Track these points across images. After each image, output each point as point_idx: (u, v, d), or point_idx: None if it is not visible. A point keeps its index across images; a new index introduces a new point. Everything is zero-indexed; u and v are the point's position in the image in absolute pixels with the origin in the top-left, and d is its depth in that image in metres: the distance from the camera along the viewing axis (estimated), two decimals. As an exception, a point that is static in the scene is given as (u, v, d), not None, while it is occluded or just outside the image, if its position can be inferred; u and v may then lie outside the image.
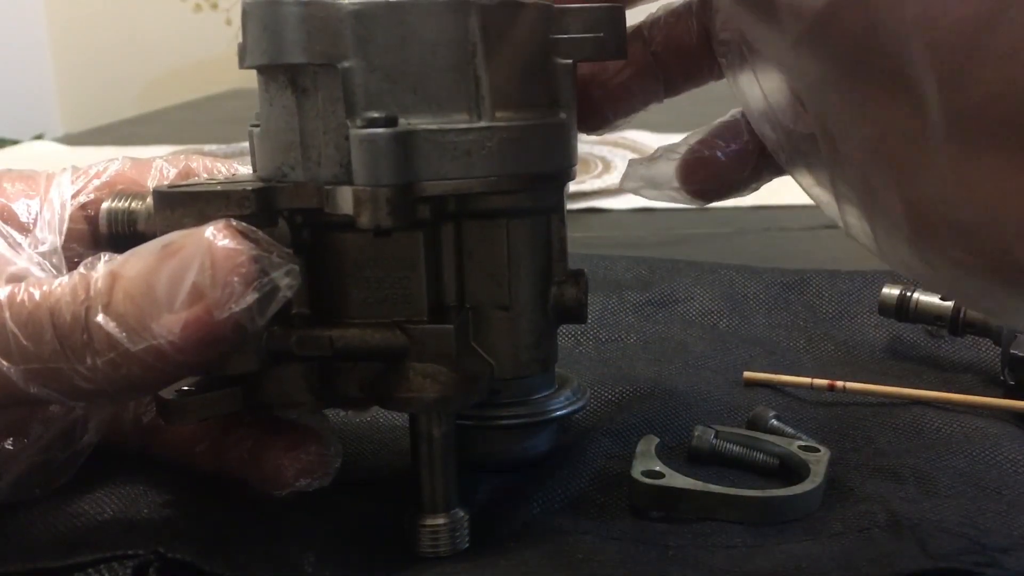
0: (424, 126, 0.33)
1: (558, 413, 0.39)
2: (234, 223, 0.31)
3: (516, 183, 0.35)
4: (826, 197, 0.31)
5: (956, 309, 0.51)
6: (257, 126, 0.36)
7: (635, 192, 0.42)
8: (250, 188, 0.33)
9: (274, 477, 0.36)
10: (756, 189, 0.41)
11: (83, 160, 0.40)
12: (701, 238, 0.76)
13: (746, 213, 0.83)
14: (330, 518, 0.37)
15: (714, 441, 0.41)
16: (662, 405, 0.46)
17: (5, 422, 0.34)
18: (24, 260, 0.34)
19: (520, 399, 0.39)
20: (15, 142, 1.76)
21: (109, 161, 0.40)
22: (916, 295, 0.52)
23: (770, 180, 0.40)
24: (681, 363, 0.52)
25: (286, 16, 0.32)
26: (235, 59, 0.36)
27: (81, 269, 0.31)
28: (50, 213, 0.37)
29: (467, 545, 0.35)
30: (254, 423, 0.37)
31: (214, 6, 2.72)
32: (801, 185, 0.34)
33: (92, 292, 0.30)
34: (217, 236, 0.30)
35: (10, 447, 0.34)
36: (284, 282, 0.31)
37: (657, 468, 0.38)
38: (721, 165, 0.40)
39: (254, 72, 0.35)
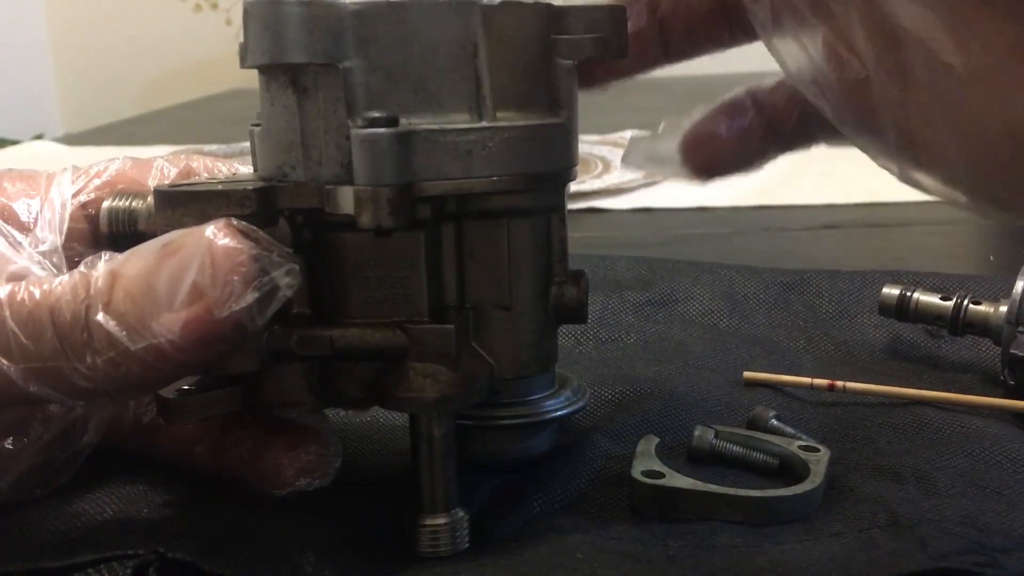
0: (425, 126, 0.33)
1: (558, 413, 0.39)
2: (234, 222, 0.31)
3: (517, 183, 0.35)
4: (879, 143, 0.31)
5: (956, 309, 0.51)
6: (258, 125, 0.36)
7: (637, 167, 0.42)
8: (251, 188, 0.33)
9: (274, 477, 0.36)
10: (760, 167, 0.41)
11: (83, 160, 0.40)
12: (701, 238, 0.76)
13: (746, 213, 0.83)
14: (330, 518, 0.37)
15: (714, 441, 0.41)
16: (662, 405, 0.46)
17: (5, 422, 0.34)
18: (24, 259, 0.34)
19: (520, 399, 0.39)
20: (15, 142, 1.76)
21: (110, 161, 0.40)
22: (916, 295, 0.52)
23: (775, 158, 0.40)
24: (681, 363, 0.52)
25: (287, 16, 0.32)
26: (235, 59, 0.36)
27: (81, 268, 0.31)
28: (51, 212, 0.37)
29: (467, 545, 0.35)
30: (254, 423, 0.37)
31: (214, 6, 2.72)
32: (849, 135, 0.33)
33: (92, 291, 0.30)
34: (217, 235, 0.30)
35: (10, 447, 0.34)
36: (284, 281, 0.31)
37: (657, 468, 0.38)
38: (725, 142, 0.40)
39: (255, 72, 0.35)
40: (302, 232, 0.35)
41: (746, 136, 0.39)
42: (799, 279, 0.61)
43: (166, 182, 0.39)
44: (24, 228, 0.36)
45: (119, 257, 0.31)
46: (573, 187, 0.76)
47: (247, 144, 0.37)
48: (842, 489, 0.38)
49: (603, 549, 0.35)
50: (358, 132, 0.32)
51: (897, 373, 0.51)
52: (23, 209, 0.37)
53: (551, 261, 0.38)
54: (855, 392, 0.48)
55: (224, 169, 0.41)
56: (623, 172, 0.92)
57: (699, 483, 0.37)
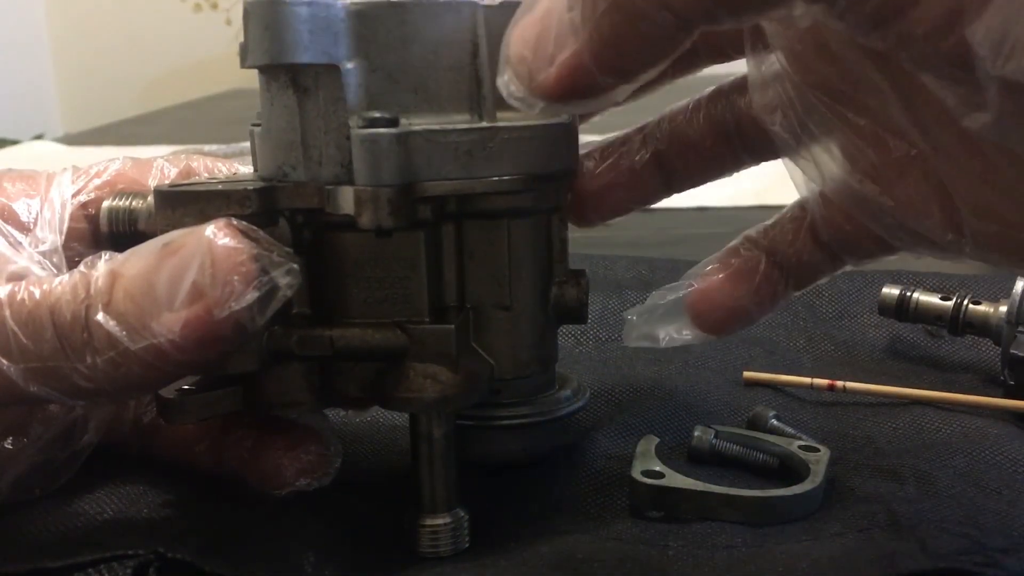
0: (425, 126, 0.33)
1: (558, 413, 0.39)
2: (234, 222, 0.31)
3: (517, 183, 0.35)
4: (925, 223, 0.32)
5: (956, 309, 0.51)
6: (258, 125, 0.36)
7: (637, 345, 0.40)
8: (251, 187, 0.33)
9: (274, 477, 0.36)
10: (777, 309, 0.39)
11: (83, 160, 0.40)
12: (701, 238, 0.76)
13: (746, 213, 0.83)
14: (330, 518, 0.37)
15: (714, 441, 0.41)
16: (662, 405, 0.46)
17: (5, 422, 0.34)
18: (24, 259, 0.34)
19: (520, 399, 0.39)
20: (15, 142, 1.76)
21: (110, 161, 0.40)
22: (916, 295, 0.52)
23: (792, 295, 0.39)
24: (681, 363, 0.52)
25: (288, 16, 0.32)
26: (235, 59, 0.36)
27: (81, 268, 0.31)
28: (51, 212, 0.37)
29: (467, 545, 0.35)
30: (254, 423, 0.37)
31: (214, 6, 2.72)
32: (888, 227, 0.33)
33: (92, 291, 0.30)
34: (217, 235, 0.30)
35: (10, 447, 0.34)
36: (284, 281, 0.31)
37: (657, 468, 0.38)
38: (741, 309, 0.38)
39: (255, 72, 0.35)
40: (302, 232, 0.35)
41: (759, 290, 0.38)
42: (799, 279, 0.61)
43: (166, 182, 0.39)
44: (24, 228, 0.36)
45: (119, 257, 0.31)
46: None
47: (247, 144, 0.37)
48: (842, 489, 0.38)
49: (603, 549, 0.35)
50: (358, 132, 0.32)
51: (897, 373, 0.51)
52: (23, 209, 0.37)
53: (551, 261, 0.38)
54: (855, 392, 0.48)
55: (224, 169, 0.41)
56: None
57: (699, 483, 0.37)
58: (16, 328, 0.30)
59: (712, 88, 0.39)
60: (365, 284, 0.35)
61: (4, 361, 0.30)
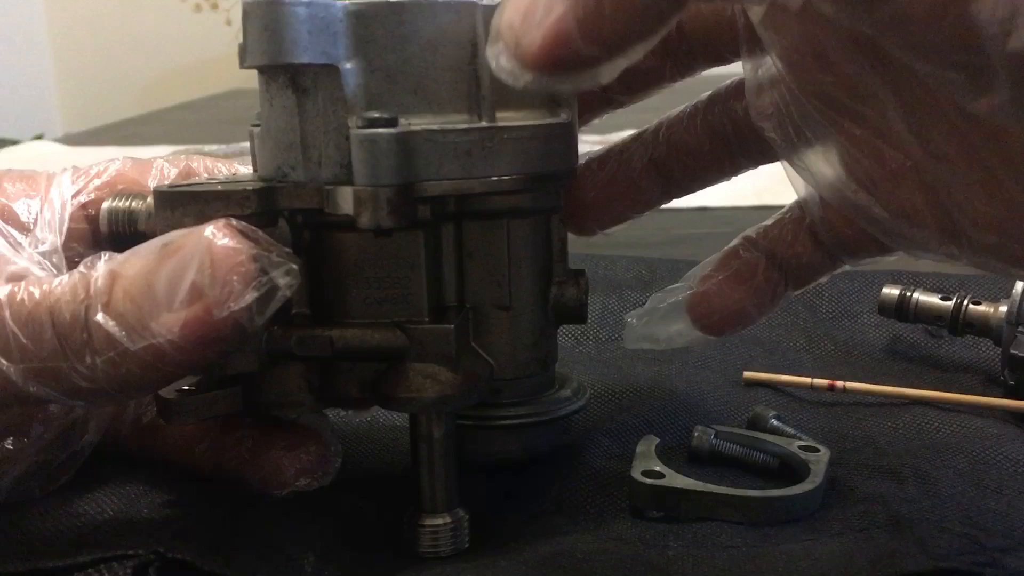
0: (425, 126, 0.33)
1: (558, 413, 0.39)
2: (234, 222, 0.31)
3: (516, 183, 0.35)
4: (918, 233, 0.32)
5: (956, 309, 0.51)
6: (258, 126, 0.36)
7: (636, 347, 0.41)
8: (250, 188, 0.33)
9: (274, 477, 0.36)
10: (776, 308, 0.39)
11: (83, 160, 0.40)
12: (701, 238, 0.76)
13: (746, 213, 0.83)
14: (330, 518, 0.37)
15: (714, 441, 0.41)
16: (662, 405, 0.46)
17: (5, 422, 0.34)
18: (24, 259, 0.34)
19: (520, 399, 0.39)
20: (15, 142, 1.76)
21: (110, 161, 0.40)
22: (916, 295, 0.52)
23: (791, 294, 0.39)
24: (681, 363, 0.52)
25: (287, 16, 0.32)
26: (235, 59, 0.36)
27: (81, 268, 0.31)
28: (50, 213, 0.37)
29: (467, 545, 0.35)
30: (254, 423, 0.37)
31: (214, 6, 2.72)
32: (887, 232, 0.33)
33: (92, 291, 0.30)
34: (216, 235, 0.30)
35: (10, 447, 0.34)
36: (283, 281, 0.31)
37: (657, 468, 0.38)
38: (742, 310, 0.38)
39: (254, 72, 0.35)
40: (302, 232, 0.35)
41: (759, 291, 0.38)
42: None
43: (166, 182, 0.39)
44: (24, 228, 0.36)
45: (119, 257, 0.31)
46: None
47: (247, 144, 0.37)
48: (842, 489, 0.38)
49: (603, 549, 0.35)
50: (358, 132, 0.32)
51: (897, 373, 0.51)
52: (23, 209, 0.37)
53: (551, 261, 0.38)
54: (855, 392, 0.48)
55: (224, 169, 0.41)
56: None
57: (699, 483, 0.37)
58: (16, 328, 0.30)
59: (708, 93, 0.39)
60: (365, 284, 0.35)
61: (4, 361, 0.30)
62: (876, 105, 0.29)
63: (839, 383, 0.48)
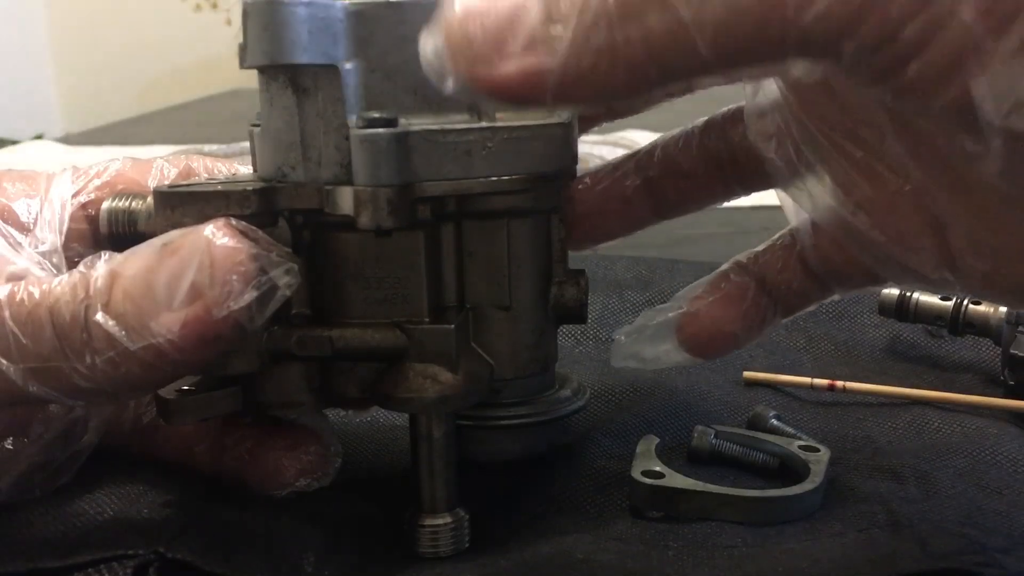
0: (424, 126, 0.33)
1: (558, 413, 0.39)
2: (233, 222, 0.31)
3: (516, 183, 0.35)
4: (913, 258, 0.32)
5: (956, 309, 0.51)
6: (258, 126, 0.36)
7: (623, 365, 0.40)
8: (250, 188, 0.33)
9: (274, 477, 0.36)
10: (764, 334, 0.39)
11: (83, 160, 0.40)
12: (701, 238, 0.76)
13: (746, 213, 0.82)
14: (330, 518, 0.37)
15: (714, 441, 0.41)
16: (662, 405, 0.46)
17: (5, 422, 0.34)
18: (24, 259, 0.34)
19: (520, 399, 0.39)
20: (15, 142, 1.76)
21: (110, 161, 0.40)
22: (916, 295, 0.52)
23: (780, 322, 0.39)
24: (681, 363, 0.52)
25: (287, 16, 0.32)
26: (235, 59, 0.36)
27: (81, 268, 0.31)
28: (50, 213, 0.37)
29: (467, 545, 0.35)
30: (254, 423, 0.37)
31: (214, 6, 2.72)
32: (880, 262, 0.34)
33: (92, 291, 0.30)
34: (216, 235, 0.30)
35: (10, 447, 0.34)
36: (283, 280, 0.31)
37: (657, 468, 0.38)
38: (730, 335, 0.38)
39: (255, 72, 0.35)
40: (302, 232, 0.35)
41: (748, 316, 0.38)
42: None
43: (166, 182, 0.39)
44: (24, 228, 0.36)
45: (118, 257, 0.31)
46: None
47: (247, 144, 0.37)
48: (842, 489, 0.38)
49: (603, 549, 0.35)
50: (357, 132, 0.32)
51: (897, 373, 0.51)
52: (23, 209, 0.37)
53: (551, 261, 0.38)
54: (855, 392, 0.48)
55: (224, 169, 0.41)
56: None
57: (699, 483, 0.37)
58: (15, 328, 0.30)
59: (705, 119, 0.39)
60: (364, 284, 0.35)
61: (4, 361, 0.30)
62: (878, 131, 0.29)
63: (839, 383, 0.48)
